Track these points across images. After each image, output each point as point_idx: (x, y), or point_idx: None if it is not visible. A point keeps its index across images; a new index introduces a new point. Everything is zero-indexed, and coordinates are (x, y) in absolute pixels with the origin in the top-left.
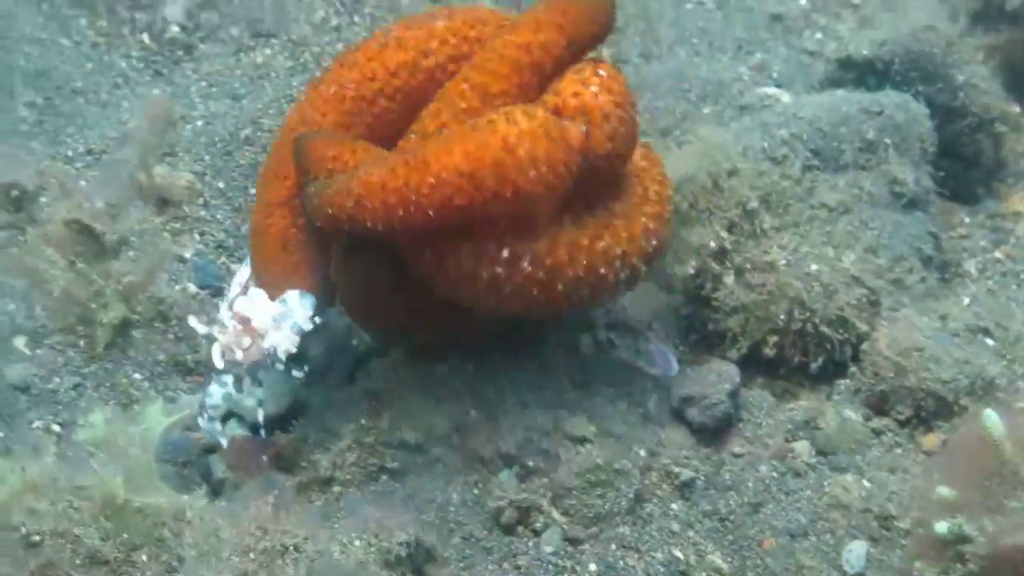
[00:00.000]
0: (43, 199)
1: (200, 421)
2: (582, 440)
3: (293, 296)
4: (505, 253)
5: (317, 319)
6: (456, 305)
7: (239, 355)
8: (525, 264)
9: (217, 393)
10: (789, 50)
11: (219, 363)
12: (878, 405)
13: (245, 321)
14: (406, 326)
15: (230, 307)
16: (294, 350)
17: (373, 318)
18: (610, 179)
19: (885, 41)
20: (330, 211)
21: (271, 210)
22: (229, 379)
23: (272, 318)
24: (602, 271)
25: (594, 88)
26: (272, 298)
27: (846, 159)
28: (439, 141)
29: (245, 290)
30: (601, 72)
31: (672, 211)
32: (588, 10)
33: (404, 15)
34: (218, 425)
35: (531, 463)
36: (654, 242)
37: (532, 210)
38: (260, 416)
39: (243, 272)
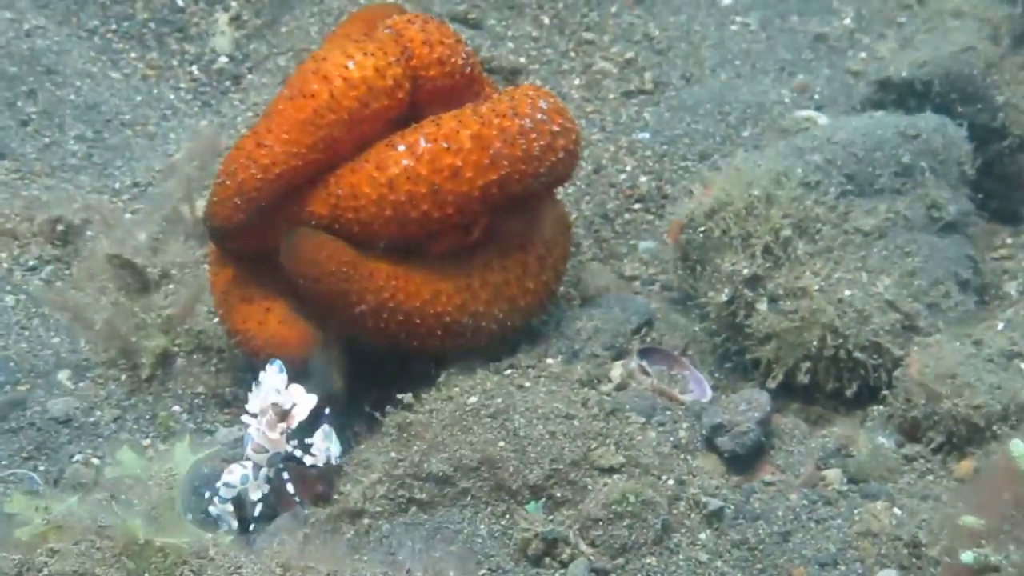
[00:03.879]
0: (89, 233)
1: (215, 499)
2: (610, 470)
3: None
4: None
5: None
6: None
7: (273, 437)
8: None
9: (237, 473)
10: (832, 71)
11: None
12: (911, 431)
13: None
14: None
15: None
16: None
17: None
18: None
19: (925, 62)
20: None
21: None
22: (249, 464)
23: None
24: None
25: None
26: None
27: (881, 183)
28: None
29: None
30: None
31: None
32: None
33: None
34: (230, 507)
35: (559, 494)
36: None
37: None
38: (256, 511)
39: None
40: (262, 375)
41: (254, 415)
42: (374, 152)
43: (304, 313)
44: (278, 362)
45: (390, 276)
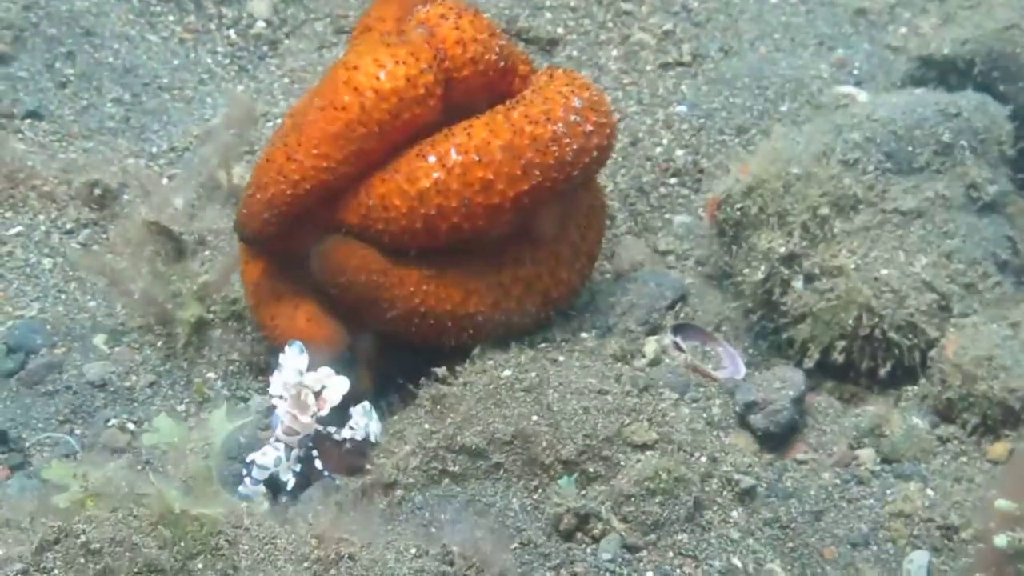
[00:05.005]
0: (126, 197)
1: (247, 479)
2: (643, 446)
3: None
4: None
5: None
6: None
7: (304, 421)
8: None
9: (271, 456)
10: (872, 46)
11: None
12: (945, 412)
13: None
14: None
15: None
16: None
17: None
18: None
19: (967, 40)
20: None
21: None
22: (281, 446)
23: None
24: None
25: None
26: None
27: (921, 162)
28: None
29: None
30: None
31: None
32: None
33: None
34: (262, 488)
35: (591, 469)
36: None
37: None
38: (289, 487)
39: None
40: (282, 357)
41: (279, 397)
42: (404, 162)
43: (332, 311)
44: (298, 343)
45: (420, 281)
